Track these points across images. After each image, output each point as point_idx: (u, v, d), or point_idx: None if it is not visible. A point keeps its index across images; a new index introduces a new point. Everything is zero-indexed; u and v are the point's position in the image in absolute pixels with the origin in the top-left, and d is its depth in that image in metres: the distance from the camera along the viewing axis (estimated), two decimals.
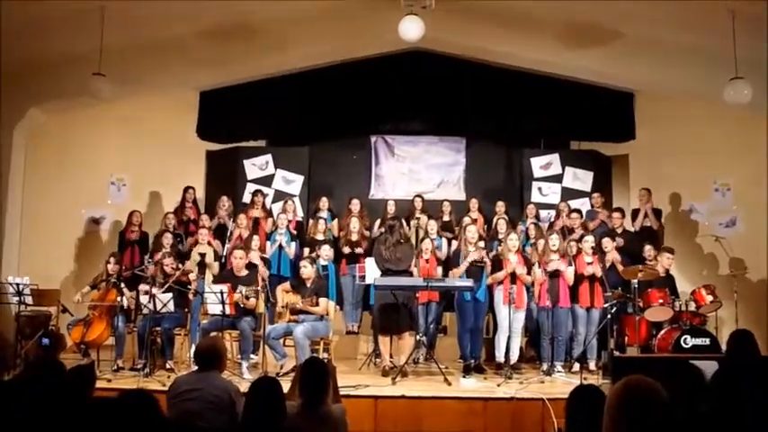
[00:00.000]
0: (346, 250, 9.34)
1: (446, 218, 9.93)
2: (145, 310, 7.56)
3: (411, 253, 8.01)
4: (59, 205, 10.07)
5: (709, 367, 4.67)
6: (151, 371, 7.32)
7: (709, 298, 8.00)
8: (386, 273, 7.79)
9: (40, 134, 10.02)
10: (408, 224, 9.50)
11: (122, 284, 8.05)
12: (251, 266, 8.21)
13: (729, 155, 9.78)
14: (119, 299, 7.89)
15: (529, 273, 7.86)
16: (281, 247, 9.31)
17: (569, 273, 7.96)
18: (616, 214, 9.44)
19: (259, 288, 7.68)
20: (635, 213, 9.71)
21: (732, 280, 8.69)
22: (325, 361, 4.96)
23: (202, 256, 8.81)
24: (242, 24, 8.76)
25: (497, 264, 7.89)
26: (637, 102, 10.59)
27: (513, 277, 7.79)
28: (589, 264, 8.11)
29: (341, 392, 5.47)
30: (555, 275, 7.87)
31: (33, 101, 9.46)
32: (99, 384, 5.64)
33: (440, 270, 8.44)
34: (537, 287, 7.86)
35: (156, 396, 3.90)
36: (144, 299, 7.60)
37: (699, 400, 3.60)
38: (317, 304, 7.64)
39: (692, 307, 8.03)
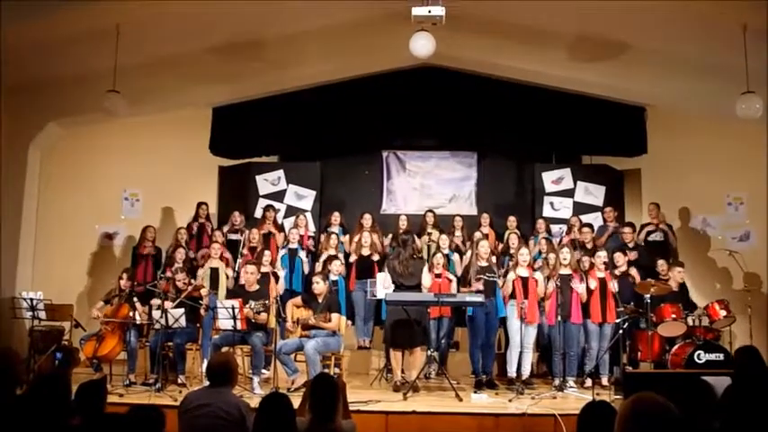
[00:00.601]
0: (356, 265, 9.33)
1: (458, 233, 9.93)
2: (157, 326, 7.59)
3: (422, 268, 8.01)
4: (73, 220, 10.18)
5: (722, 382, 4.64)
6: (163, 386, 7.34)
7: (723, 313, 7.94)
8: (398, 287, 7.78)
9: (55, 150, 10.16)
10: (420, 239, 9.51)
11: (135, 299, 8.08)
12: (262, 281, 8.23)
13: (742, 168, 9.73)
14: (131, 314, 7.92)
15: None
16: (293, 257, 9.33)
17: (581, 289, 7.94)
18: (627, 229, 9.40)
19: (268, 303, 7.68)
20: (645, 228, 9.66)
21: (746, 294, 8.62)
22: (335, 377, 4.95)
23: (215, 271, 8.85)
24: (254, 41, 8.83)
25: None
26: (648, 116, 10.55)
27: (525, 292, 7.77)
28: (601, 279, 8.09)
29: (352, 408, 5.46)
30: (565, 290, 7.85)
31: (50, 116, 9.59)
32: (111, 399, 5.71)
33: (453, 285, 8.43)
34: (547, 304, 7.85)
35: (168, 411, 3.94)
36: (156, 314, 7.63)
37: (711, 416, 3.58)
38: (330, 320, 7.65)
39: (706, 322, 7.97)
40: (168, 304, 7.72)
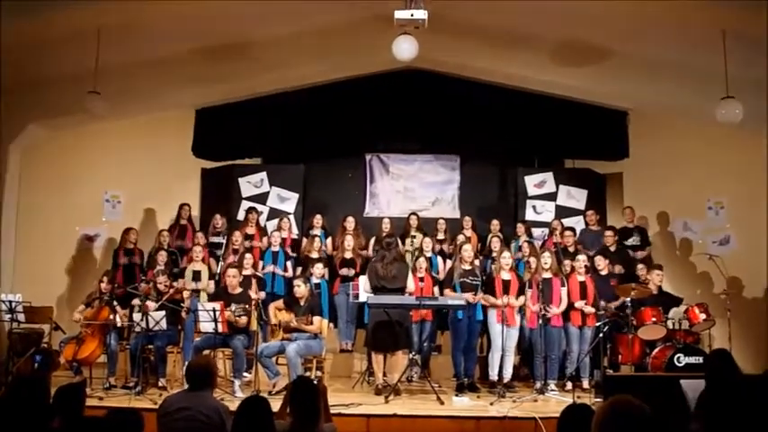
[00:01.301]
0: (343, 271, 9.33)
1: (441, 236, 9.95)
2: (137, 328, 7.54)
3: (406, 271, 8.01)
4: (53, 222, 10.09)
5: (700, 386, 4.67)
6: (143, 389, 7.29)
7: (703, 316, 8.00)
8: (381, 290, 7.77)
9: (35, 151, 10.07)
10: (403, 242, 9.52)
11: (115, 302, 8.02)
12: (245, 284, 8.20)
13: (723, 173, 9.80)
14: (111, 316, 7.86)
15: (522, 292, 7.89)
16: (275, 260, 9.34)
17: (563, 294, 7.98)
18: (608, 232, 9.46)
19: (249, 307, 7.65)
20: (624, 231, 9.73)
21: (725, 298, 8.69)
22: (315, 380, 4.94)
23: (197, 273, 8.81)
24: (238, 43, 8.80)
25: (491, 282, 7.91)
26: (630, 120, 10.62)
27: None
28: (581, 282, 8.13)
29: (333, 411, 5.45)
30: (547, 293, 7.89)
31: (30, 118, 9.50)
32: (90, 402, 5.66)
33: (435, 288, 8.45)
34: (528, 309, 7.89)
35: (147, 415, 3.92)
36: (137, 317, 7.59)
37: (688, 419, 3.61)
38: (311, 323, 7.64)
39: (686, 325, 8.03)
40: (150, 305, 7.68)
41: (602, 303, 8.16)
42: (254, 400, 3.84)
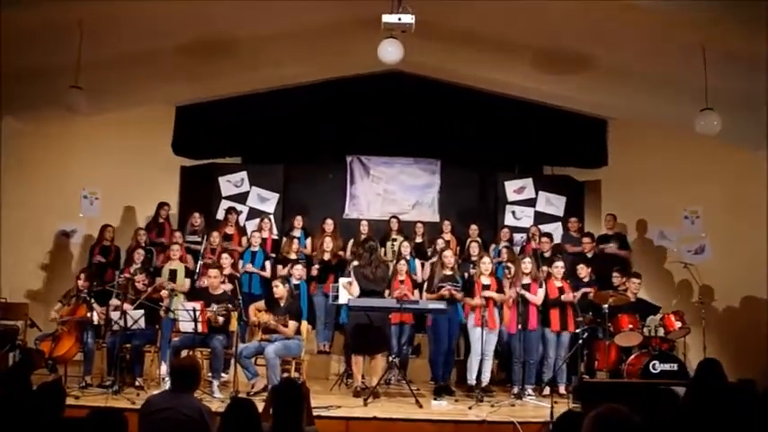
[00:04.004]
0: (316, 270, 9.31)
1: (419, 239, 9.98)
2: (115, 327, 7.46)
3: (387, 274, 8.02)
4: (30, 217, 9.88)
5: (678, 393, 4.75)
6: (120, 388, 7.21)
7: (678, 324, 8.09)
8: (370, 294, 7.75)
9: (12, 144, 9.86)
10: (384, 245, 9.53)
11: (92, 300, 7.93)
12: (226, 284, 8.17)
13: (699, 183, 9.92)
14: (89, 314, 7.77)
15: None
16: (254, 260, 9.30)
17: (539, 294, 8.04)
18: (586, 239, 9.56)
19: (231, 307, 7.60)
20: (602, 238, 9.83)
21: (700, 307, 8.80)
22: (299, 382, 4.93)
23: (173, 272, 8.74)
24: (221, 41, 8.74)
25: (470, 286, 7.95)
26: (610, 129, 10.75)
27: (487, 300, 7.83)
28: (559, 288, 8.20)
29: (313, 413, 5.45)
30: (526, 299, 7.95)
31: (7, 110, 9.34)
32: (67, 401, 5.57)
33: (416, 292, 8.47)
34: (507, 312, 7.93)
35: (126, 415, 3.88)
36: (114, 315, 7.51)
37: (668, 425, 3.66)
38: (287, 324, 7.61)
39: (661, 332, 8.12)
40: (127, 305, 7.61)
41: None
42: (242, 402, 3.82)
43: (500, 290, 7.99)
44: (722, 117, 7.88)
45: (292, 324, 7.67)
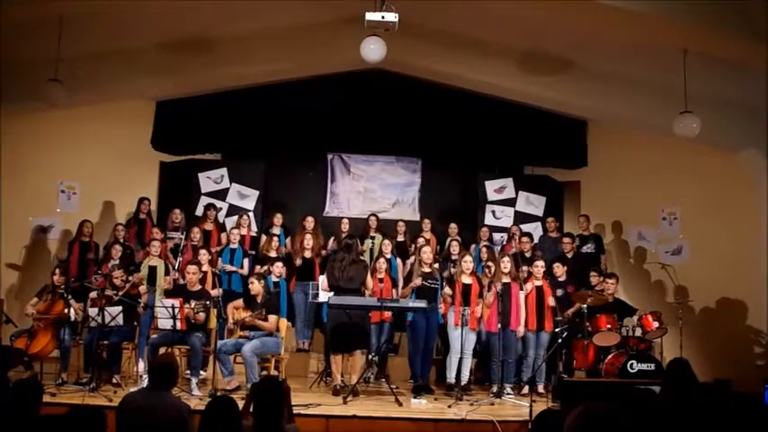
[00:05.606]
0: (298, 263, 9.28)
1: (401, 238, 9.98)
2: (93, 323, 7.38)
3: (364, 272, 7.99)
4: (6, 211, 9.72)
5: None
6: (97, 385, 7.11)
7: (656, 324, 8.16)
8: (337, 290, 7.75)
9: None
10: (362, 243, 9.51)
11: (69, 296, 7.84)
12: (204, 281, 8.11)
13: (677, 184, 10.01)
14: (66, 310, 7.67)
15: (480, 295, 7.95)
16: (233, 257, 9.26)
17: (520, 297, 8.08)
18: (566, 239, 9.62)
19: (209, 303, 7.56)
20: (580, 238, 9.90)
21: (677, 307, 8.89)
22: (280, 380, 4.92)
23: (153, 269, 8.67)
24: (202, 37, 8.70)
25: (451, 284, 7.96)
26: (590, 130, 10.84)
27: (466, 299, 7.85)
28: (538, 287, 8.24)
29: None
30: (506, 298, 7.97)
31: None
32: (43, 399, 5.51)
33: (394, 290, 8.47)
34: (486, 311, 7.95)
35: (104, 412, 3.84)
36: (92, 311, 7.42)
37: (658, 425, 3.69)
38: (267, 318, 7.57)
39: (639, 332, 8.19)
40: (105, 301, 7.53)
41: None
42: (222, 400, 3.80)
43: (481, 290, 7.99)
44: (701, 119, 7.96)
45: (272, 317, 7.62)
